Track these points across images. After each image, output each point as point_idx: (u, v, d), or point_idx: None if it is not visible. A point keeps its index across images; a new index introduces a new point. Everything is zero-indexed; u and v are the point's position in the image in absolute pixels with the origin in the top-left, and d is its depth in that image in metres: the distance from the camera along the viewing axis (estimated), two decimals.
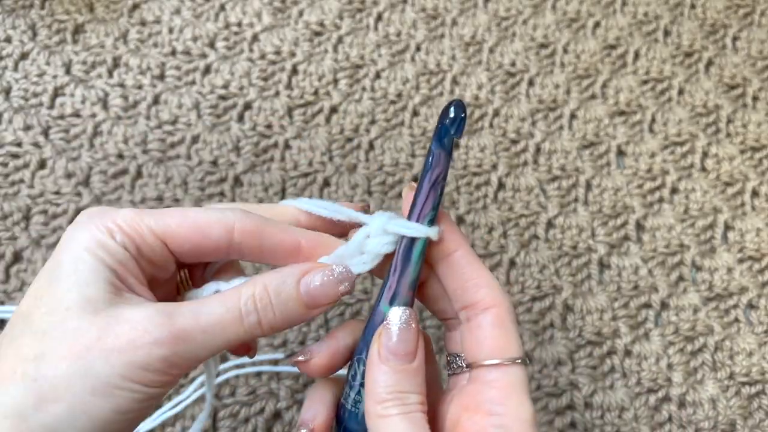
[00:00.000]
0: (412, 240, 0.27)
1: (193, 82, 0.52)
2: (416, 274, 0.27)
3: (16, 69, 0.51)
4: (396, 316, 0.26)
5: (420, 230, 0.27)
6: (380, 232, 0.27)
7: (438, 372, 0.31)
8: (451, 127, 0.27)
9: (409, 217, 0.28)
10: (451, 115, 0.27)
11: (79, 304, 0.24)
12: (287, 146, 0.51)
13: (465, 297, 0.27)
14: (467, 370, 0.27)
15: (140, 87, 0.52)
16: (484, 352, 0.26)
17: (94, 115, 0.50)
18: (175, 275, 0.29)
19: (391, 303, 0.27)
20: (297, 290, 0.26)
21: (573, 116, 0.55)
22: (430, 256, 0.28)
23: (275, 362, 0.44)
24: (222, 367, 0.42)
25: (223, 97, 0.52)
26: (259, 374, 0.43)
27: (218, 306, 0.25)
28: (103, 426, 0.23)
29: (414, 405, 0.25)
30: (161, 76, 0.52)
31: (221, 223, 0.26)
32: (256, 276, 0.27)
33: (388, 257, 0.28)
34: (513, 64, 0.57)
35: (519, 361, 0.26)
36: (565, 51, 0.58)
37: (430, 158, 0.27)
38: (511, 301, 0.28)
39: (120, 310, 0.24)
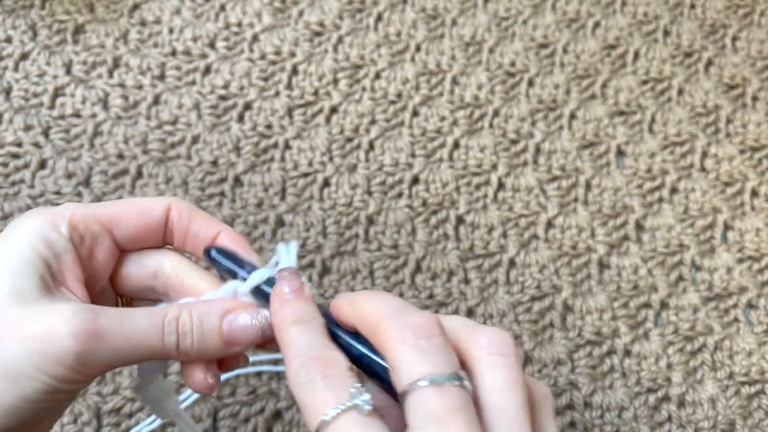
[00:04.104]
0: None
1: (193, 83, 0.52)
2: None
3: (16, 69, 0.51)
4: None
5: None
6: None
7: None
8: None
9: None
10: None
11: (9, 294, 0.24)
12: (287, 146, 0.51)
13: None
14: None
15: (140, 87, 0.52)
16: None
17: (94, 115, 0.50)
18: (107, 289, 0.29)
19: None
20: (220, 324, 0.27)
21: (573, 116, 0.55)
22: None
23: (275, 362, 0.44)
24: None
25: (223, 98, 0.52)
26: (259, 374, 0.43)
27: (144, 317, 0.26)
28: (7, 412, 0.23)
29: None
30: (161, 77, 0.52)
31: (160, 205, 0.28)
32: (183, 302, 0.28)
33: None
34: (513, 64, 0.57)
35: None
36: (565, 51, 0.58)
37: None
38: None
39: (48, 303, 0.24)
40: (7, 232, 0.26)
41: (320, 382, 0.24)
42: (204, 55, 0.54)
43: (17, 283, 0.24)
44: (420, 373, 0.22)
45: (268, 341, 0.28)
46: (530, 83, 0.56)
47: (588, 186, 0.52)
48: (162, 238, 0.29)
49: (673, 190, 0.53)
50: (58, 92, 0.51)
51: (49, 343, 0.23)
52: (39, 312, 0.24)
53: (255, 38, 0.55)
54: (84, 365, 0.24)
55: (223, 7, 0.56)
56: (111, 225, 0.27)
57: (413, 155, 0.52)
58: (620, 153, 0.54)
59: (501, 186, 0.51)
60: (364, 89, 0.54)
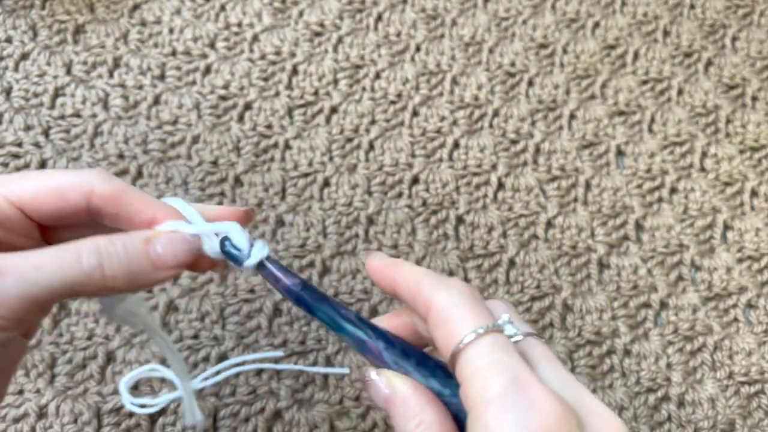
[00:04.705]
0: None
1: (193, 83, 0.52)
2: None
3: (16, 69, 0.51)
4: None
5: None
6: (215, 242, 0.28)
7: None
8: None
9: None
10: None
11: None
12: (287, 146, 0.51)
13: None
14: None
15: (141, 87, 0.52)
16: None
17: (94, 116, 0.50)
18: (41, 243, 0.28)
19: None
20: (144, 246, 0.26)
21: (572, 116, 0.55)
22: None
23: (276, 361, 0.44)
24: (222, 365, 0.42)
25: (223, 98, 0.52)
26: (259, 373, 0.43)
27: (54, 248, 0.25)
28: None
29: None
30: (162, 77, 0.52)
31: (79, 188, 0.26)
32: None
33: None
34: (513, 64, 0.57)
35: (476, 331, 0.24)
36: (565, 51, 0.58)
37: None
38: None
39: None
40: None
41: None
42: (204, 55, 0.54)
43: None
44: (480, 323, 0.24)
45: (198, 264, 0.28)
46: (530, 83, 0.56)
47: (588, 186, 0.52)
48: (85, 217, 0.27)
49: (673, 190, 0.53)
50: (58, 92, 0.51)
51: None
52: None
53: (255, 38, 0.55)
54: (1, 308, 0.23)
55: (223, 7, 0.56)
56: (22, 206, 0.25)
57: (413, 155, 0.52)
58: (620, 153, 0.54)
59: (501, 186, 0.51)
60: (364, 89, 0.54)
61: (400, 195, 0.50)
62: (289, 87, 0.53)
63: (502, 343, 0.24)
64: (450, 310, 0.25)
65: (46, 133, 0.49)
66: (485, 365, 0.23)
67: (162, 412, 0.42)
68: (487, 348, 0.23)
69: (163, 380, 0.43)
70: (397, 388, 0.26)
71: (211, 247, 0.28)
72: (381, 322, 0.29)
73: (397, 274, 0.27)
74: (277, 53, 0.54)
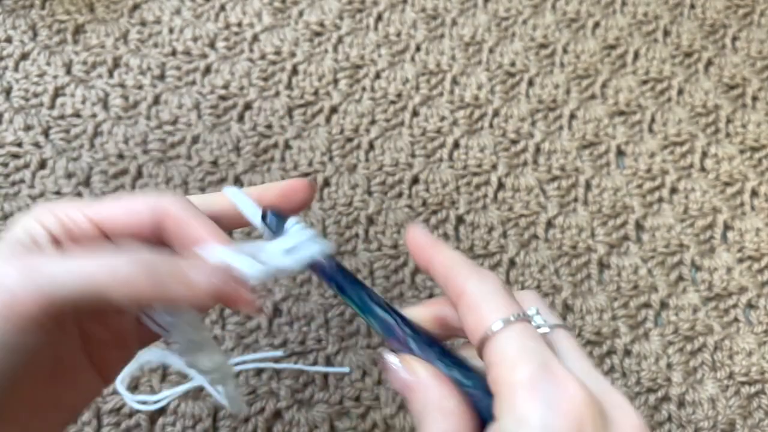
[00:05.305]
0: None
1: (193, 83, 0.52)
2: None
3: (16, 69, 0.51)
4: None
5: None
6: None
7: None
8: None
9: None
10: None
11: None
12: (287, 146, 0.51)
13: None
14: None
15: (140, 87, 0.52)
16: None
17: (94, 115, 0.50)
18: None
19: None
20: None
21: (573, 116, 0.55)
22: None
23: (276, 360, 0.44)
24: None
25: (223, 98, 0.52)
26: (259, 373, 0.43)
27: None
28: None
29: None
30: (161, 77, 0.52)
31: (148, 206, 0.26)
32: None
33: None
34: (513, 64, 0.57)
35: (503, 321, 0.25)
36: (565, 51, 0.58)
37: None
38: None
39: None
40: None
41: None
42: (204, 55, 0.54)
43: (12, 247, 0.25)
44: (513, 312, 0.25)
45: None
46: (530, 83, 0.56)
47: (588, 186, 0.52)
48: (160, 239, 0.27)
49: (673, 190, 0.53)
50: (58, 92, 0.51)
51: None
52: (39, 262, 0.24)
53: (255, 38, 0.55)
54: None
55: (223, 7, 0.56)
56: (99, 221, 0.26)
57: (413, 155, 0.52)
58: (620, 153, 0.54)
59: (501, 186, 0.51)
60: (364, 89, 0.54)
61: (400, 195, 0.50)
62: (289, 87, 0.53)
63: (531, 331, 0.24)
64: (482, 298, 0.25)
65: (45, 133, 0.49)
66: (514, 351, 0.24)
67: (162, 411, 0.42)
68: (517, 335, 0.24)
69: (162, 379, 0.43)
70: (419, 374, 0.26)
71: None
72: (409, 312, 0.29)
73: (434, 256, 0.27)
74: (277, 53, 0.54)
